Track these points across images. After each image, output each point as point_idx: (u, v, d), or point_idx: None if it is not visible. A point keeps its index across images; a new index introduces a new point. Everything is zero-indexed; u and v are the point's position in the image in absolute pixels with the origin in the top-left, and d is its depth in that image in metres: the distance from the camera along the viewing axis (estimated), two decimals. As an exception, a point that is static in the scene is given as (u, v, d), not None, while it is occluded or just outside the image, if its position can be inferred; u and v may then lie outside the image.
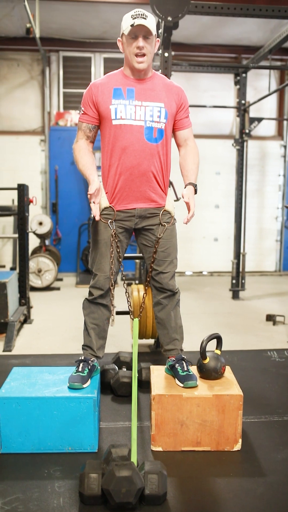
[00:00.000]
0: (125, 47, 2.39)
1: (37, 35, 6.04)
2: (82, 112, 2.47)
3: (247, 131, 5.82)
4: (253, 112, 7.47)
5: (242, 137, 5.85)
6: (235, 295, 5.99)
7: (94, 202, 2.34)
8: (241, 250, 6.06)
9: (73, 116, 7.49)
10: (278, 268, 8.15)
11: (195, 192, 2.39)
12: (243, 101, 5.76)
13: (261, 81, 7.72)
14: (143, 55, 2.33)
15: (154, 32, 2.34)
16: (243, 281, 6.02)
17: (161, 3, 3.55)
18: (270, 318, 4.83)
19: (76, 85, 7.69)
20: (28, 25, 5.73)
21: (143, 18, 2.29)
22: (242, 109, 5.81)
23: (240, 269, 6.01)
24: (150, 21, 2.31)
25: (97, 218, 2.36)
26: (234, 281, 6.02)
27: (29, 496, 1.99)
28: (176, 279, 2.67)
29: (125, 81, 2.42)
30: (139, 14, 2.30)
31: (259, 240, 8.06)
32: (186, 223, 2.32)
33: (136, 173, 2.41)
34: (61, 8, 6.25)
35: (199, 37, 7.14)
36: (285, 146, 8.01)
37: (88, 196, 2.30)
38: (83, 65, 7.68)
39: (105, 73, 7.57)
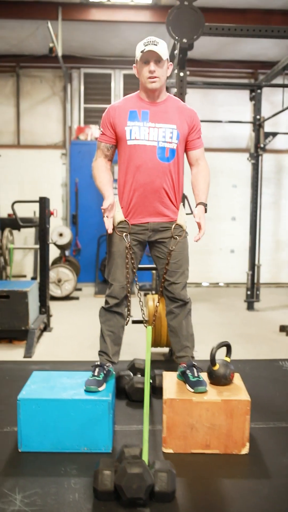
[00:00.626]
0: (139, 71, 2.56)
1: (59, 54, 6.28)
2: (101, 132, 2.65)
3: (262, 145, 5.94)
4: (269, 126, 7.57)
5: (257, 151, 5.98)
6: (250, 306, 6.08)
7: (107, 216, 2.50)
8: (256, 262, 6.16)
9: (93, 131, 7.72)
10: (294, 280, 8.20)
11: (205, 211, 2.57)
12: (258, 116, 5.90)
13: (278, 96, 7.81)
14: (155, 77, 2.50)
15: (164, 57, 2.50)
16: (257, 292, 6.11)
17: (177, 25, 3.72)
18: (283, 329, 4.91)
19: (97, 101, 7.93)
20: (51, 45, 6.00)
21: (154, 44, 2.46)
22: (257, 124, 5.95)
23: (255, 281, 6.11)
24: (161, 47, 2.48)
25: (110, 231, 2.53)
26: (249, 292, 6.12)
27: (47, 491, 2.12)
28: (193, 290, 2.82)
29: (140, 104, 2.58)
30: (150, 41, 2.47)
31: (275, 252, 8.14)
32: (196, 241, 2.48)
33: (149, 189, 2.57)
34: (82, 27, 6.50)
35: (217, 53, 7.31)
36: (301, 160, 8.10)
37: (102, 210, 2.47)
38: (103, 81, 7.92)
39: (124, 88, 7.82)
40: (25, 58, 7.58)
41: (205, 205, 2.59)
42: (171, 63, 2.62)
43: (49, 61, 7.36)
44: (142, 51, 2.47)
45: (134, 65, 2.60)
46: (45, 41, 6.76)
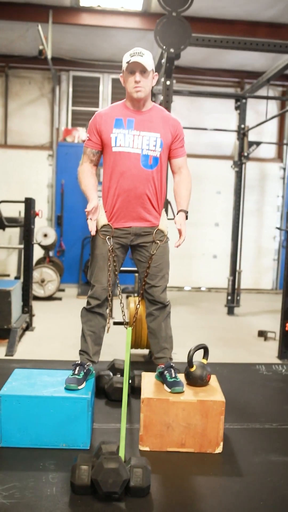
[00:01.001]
0: (125, 81, 2.65)
1: (49, 56, 6.34)
2: (88, 138, 2.73)
3: (246, 154, 6.07)
4: (254, 135, 7.74)
5: (241, 160, 6.11)
6: (230, 311, 6.20)
7: (91, 219, 2.58)
8: (237, 268, 6.28)
9: (80, 133, 7.78)
10: (274, 286, 8.35)
11: (186, 218, 2.67)
12: (242, 126, 6.02)
13: (263, 105, 7.98)
14: (140, 87, 2.59)
15: (149, 68, 2.59)
16: (238, 297, 6.23)
17: (165, 35, 3.82)
18: (261, 334, 5.03)
19: (85, 104, 8.00)
20: (40, 47, 6.05)
21: (139, 55, 2.55)
22: (241, 133, 6.07)
23: (236, 286, 6.22)
24: (146, 58, 2.57)
25: (93, 233, 2.61)
26: (229, 298, 6.23)
27: (25, 484, 2.19)
28: (175, 294, 2.91)
29: (126, 112, 2.67)
30: (136, 52, 2.57)
31: (257, 258, 8.28)
32: (177, 247, 2.57)
33: (133, 195, 2.66)
34: (72, 31, 6.57)
35: (204, 62, 7.44)
36: (284, 169, 8.27)
37: (86, 212, 2.55)
38: (92, 85, 7.99)
39: (112, 92, 7.91)
40: (15, 59, 7.61)
41: (186, 212, 2.69)
42: (156, 73, 2.70)
43: (39, 62, 7.41)
44: (128, 62, 2.56)
45: (120, 74, 2.69)
46: (35, 43, 6.81)
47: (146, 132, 2.64)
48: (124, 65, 2.59)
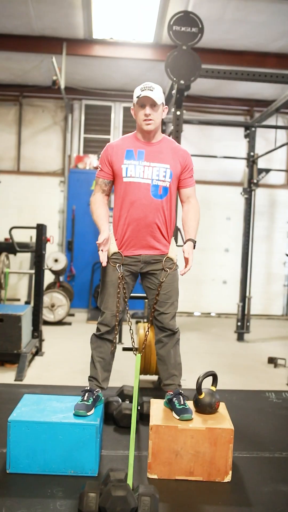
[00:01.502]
0: (136, 114, 2.74)
1: (62, 86, 6.51)
2: (100, 169, 2.81)
3: (255, 181, 6.14)
4: (263, 162, 7.82)
5: (250, 187, 6.17)
6: (240, 337, 6.18)
7: (102, 250, 2.65)
8: (247, 294, 6.28)
9: (92, 160, 7.92)
10: (285, 312, 8.32)
11: (194, 247, 2.73)
12: (252, 153, 6.11)
13: (272, 133, 8.08)
14: (150, 119, 2.67)
15: (159, 101, 2.67)
16: (248, 323, 6.22)
17: (175, 67, 3.93)
18: (271, 360, 5.00)
19: (96, 131, 8.17)
20: (54, 78, 6.23)
21: (150, 90, 2.64)
22: (251, 161, 6.15)
23: (246, 312, 6.22)
24: (156, 93, 2.66)
25: (104, 264, 2.67)
26: (239, 324, 6.22)
27: (33, 511, 2.19)
28: (185, 319, 2.94)
29: (136, 144, 2.75)
30: (147, 87, 2.66)
31: (267, 284, 8.27)
32: (182, 275, 2.64)
33: (143, 224, 2.72)
34: (85, 62, 6.75)
35: (214, 91, 7.58)
36: (294, 195, 8.32)
37: (97, 244, 2.61)
38: (104, 113, 8.17)
39: (124, 120, 8.06)
40: (29, 89, 7.82)
41: (194, 241, 2.74)
42: (166, 106, 2.79)
43: (52, 92, 7.59)
44: (138, 96, 2.65)
45: (131, 107, 2.78)
46: (49, 73, 7.01)
47: (156, 163, 2.71)
48: (135, 99, 2.69)
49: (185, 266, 2.66)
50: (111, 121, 8.17)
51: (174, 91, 4.07)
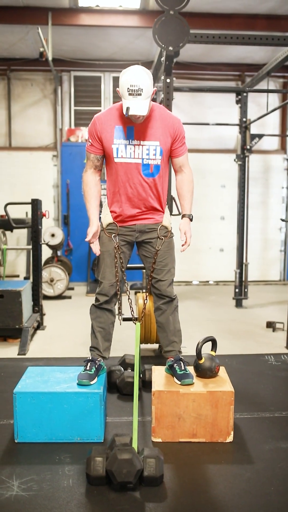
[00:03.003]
0: (122, 105, 2.59)
1: (50, 58, 6.40)
2: (90, 143, 2.77)
3: (248, 147, 6.10)
4: (256, 127, 7.76)
5: (243, 153, 6.14)
6: (238, 304, 6.25)
7: (92, 243, 2.78)
8: (244, 260, 6.32)
9: (84, 133, 7.84)
10: (282, 278, 8.39)
11: (191, 220, 2.79)
12: (244, 119, 6.05)
13: (264, 98, 7.99)
14: (138, 117, 2.58)
15: (146, 112, 2.51)
16: (246, 290, 6.27)
17: (163, 34, 3.86)
18: (270, 325, 5.07)
19: (87, 103, 8.06)
20: (41, 49, 6.11)
21: (138, 94, 2.46)
22: (243, 126, 6.10)
23: (243, 279, 6.27)
24: (144, 98, 2.47)
25: (98, 254, 2.80)
26: (237, 290, 6.28)
27: (43, 477, 2.26)
28: (183, 288, 2.99)
29: (125, 119, 2.67)
30: (134, 90, 2.46)
31: (264, 250, 8.32)
32: (182, 251, 2.70)
33: (136, 199, 2.75)
34: (72, 32, 6.62)
35: (203, 56, 7.46)
36: (288, 160, 8.28)
37: (87, 239, 2.74)
38: (93, 84, 8.05)
39: (114, 91, 7.94)
40: (16, 62, 7.68)
41: (190, 216, 2.77)
42: (155, 88, 2.62)
43: (40, 64, 7.47)
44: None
45: (117, 89, 2.62)
46: (36, 45, 6.88)
47: (146, 142, 2.68)
48: (121, 93, 2.54)
49: (185, 243, 2.72)
50: (101, 92, 8.05)
51: (163, 58, 4.01)
